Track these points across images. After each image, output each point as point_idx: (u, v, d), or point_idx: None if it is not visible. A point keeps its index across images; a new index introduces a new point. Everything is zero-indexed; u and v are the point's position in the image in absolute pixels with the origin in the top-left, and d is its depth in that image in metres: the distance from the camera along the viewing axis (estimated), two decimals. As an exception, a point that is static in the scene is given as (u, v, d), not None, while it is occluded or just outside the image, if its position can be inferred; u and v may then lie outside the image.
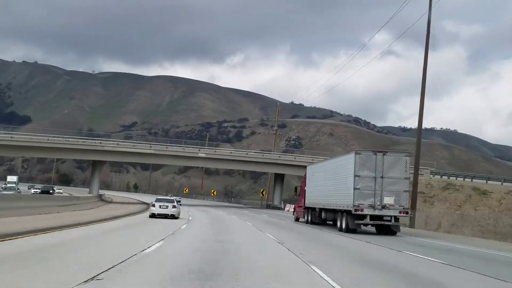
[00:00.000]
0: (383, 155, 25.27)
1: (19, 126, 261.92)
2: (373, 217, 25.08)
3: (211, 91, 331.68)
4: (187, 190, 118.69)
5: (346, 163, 26.19)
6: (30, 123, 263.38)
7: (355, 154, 25.09)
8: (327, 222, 31.87)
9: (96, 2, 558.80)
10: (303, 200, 36.40)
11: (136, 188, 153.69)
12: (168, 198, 36.46)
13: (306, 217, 35.38)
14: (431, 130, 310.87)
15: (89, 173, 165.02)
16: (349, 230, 25.57)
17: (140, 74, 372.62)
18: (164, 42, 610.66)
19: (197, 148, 75.69)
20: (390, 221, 25.31)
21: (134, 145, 73.57)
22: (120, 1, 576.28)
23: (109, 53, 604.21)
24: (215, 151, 74.87)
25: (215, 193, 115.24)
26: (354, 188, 24.74)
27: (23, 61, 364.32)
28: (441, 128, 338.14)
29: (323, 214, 31.30)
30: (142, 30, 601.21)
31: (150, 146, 73.88)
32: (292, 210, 46.37)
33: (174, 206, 31.44)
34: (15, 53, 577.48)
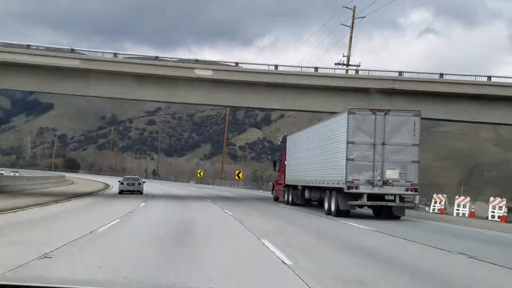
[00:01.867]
0: (385, 114, 19.96)
1: (41, 114, 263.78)
2: (371, 197, 19.90)
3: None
4: (201, 173, 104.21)
5: (337, 126, 20.96)
6: (53, 110, 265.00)
7: (348, 113, 19.79)
8: (312, 202, 27.44)
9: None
10: (282, 176, 31.43)
11: (154, 175, 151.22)
12: (134, 176, 43.03)
13: (286, 197, 30.42)
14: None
15: (99, 159, 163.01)
16: (339, 212, 20.50)
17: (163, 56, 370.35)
18: (192, 26, 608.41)
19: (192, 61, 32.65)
20: (394, 201, 20.07)
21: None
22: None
23: (136, 39, 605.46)
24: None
25: (240, 175, 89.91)
26: (347, 159, 19.56)
27: (46, 47, 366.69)
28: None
29: (306, 193, 26.49)
30: (168, 14, 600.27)
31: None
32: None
33: (139, 184, 37.18)
34: (40, 39, 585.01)
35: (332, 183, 21.27)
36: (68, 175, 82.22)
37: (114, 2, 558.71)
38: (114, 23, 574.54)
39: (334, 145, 21.03)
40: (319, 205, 27.25)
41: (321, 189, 24.37)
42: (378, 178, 19.67)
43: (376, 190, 19.72)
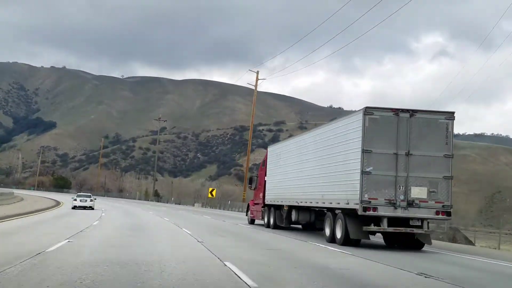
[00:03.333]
0: (410, 116, 16.05)
1: (44, 133, 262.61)
2: (393, 221, 15.87)
3: (244, 94, 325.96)
4: (214, 192, 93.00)
5: (346, 130, 16.94)
6: (55, 128, 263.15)
7: (364, 114, 15.78)
8: (299, 225, 24.24)
9: (130, 3, 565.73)
10: (261, 195, 27.17)
11: (158, 196, 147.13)
12: (86, 194, 48.12)
13: (266, 219, 26.11)
14: (481, 136, 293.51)
15: (89, 176, 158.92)
16: (348, 241, 16.50)
17: (170, 78, 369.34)
18: (201, 46, 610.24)
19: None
20: (421, 227, 16.05)
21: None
22: (157, 4, 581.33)
23: (144, 59, 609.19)
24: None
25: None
26: (363, 172, 15.57)
27: (51, 67, 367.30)
28: (492, 134, 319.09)
29: (293, 215, 22.57)
30: (177, 34, 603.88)
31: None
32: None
33: (91, 200, 42.44)
34: (47, 58, 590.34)
35: (338, 203, 17.21)
36: (23, 192, 77.93)
37: (123, 17, 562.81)
38: (122, 42, 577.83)
39: (342, 155, 16.99)
40: (308, 229, 24.19)
41: (313, 211, 21.20)
42: (402, 197, 15.67)
43: (399, 213, 15.68)
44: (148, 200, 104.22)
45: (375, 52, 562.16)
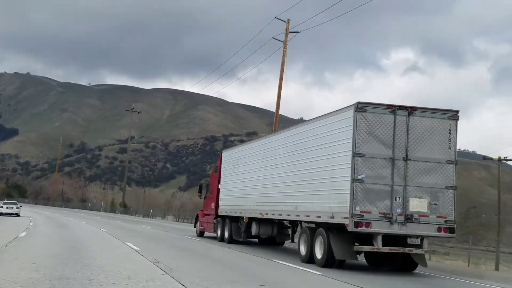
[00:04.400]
0: (409, 114, 13.71)
1: (4, 140, 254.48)
2: (388, 239, 13.44)
3: (215, 104, 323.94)
4: None
5: (333, 129, 14.40)
6: (17, 135, 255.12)
7: (356, 110, 13.38)
8: (255, 239, 22.01)
9: (102, 11, 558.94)
10: (212, 204, 24.61)
11: (124, 207, 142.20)
12: (12, 201, 50.47)
13: (220, 232, 23.36)
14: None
15: (46, 185, 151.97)
16: (331, 263, 14.03)
17: (138, 86, 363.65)
18: (173, 56, 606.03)
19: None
20: (420, 246, 13.68)
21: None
22: (130, 13, 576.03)
23: (114, 68, 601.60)
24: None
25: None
26: (354, 180, 13.12)
27: (15, 72, 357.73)
28: (459, 149, 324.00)
29: (254, 228, 20.23)
30: (150, 44, 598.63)
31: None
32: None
33: (17, 207, 44.74)
34: (11, 64, 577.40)
35: (318, 216, 14.67)
36: None
37: (96, 25, 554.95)
38: (92, 48, 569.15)
39: (326, 159, 14.46)
40: (265, 243, 22.17)
41: (276, 223, 19.74)
42: (399, 210, 13.27)
43: (395, 230, 13.25)
44: (116, 212, 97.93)
45: (346, 67, 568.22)
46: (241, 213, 21.00)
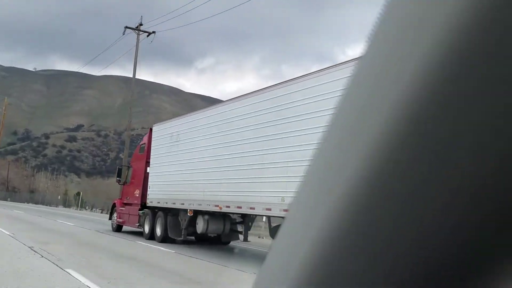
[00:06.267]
0: None
1: None
2: None
3: (170, 94, 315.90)
4: None
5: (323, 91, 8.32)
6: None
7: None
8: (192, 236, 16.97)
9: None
10: (137, 192, 19.67)
11: (79, 196, 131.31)
12: None
13: (148, 227, 18.22)
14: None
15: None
16: None
17: (87, 73, 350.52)
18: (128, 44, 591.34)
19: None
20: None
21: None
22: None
23: (65, 53, 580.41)
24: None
25: None
26: None
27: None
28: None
29: (201, 224, 15.46)
30: (105, 30, 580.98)
31: None
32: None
33: None
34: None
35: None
36: None
37: (46, 10, 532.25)
38: (41, 34, 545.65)
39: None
40: (208, 241, 17.04)
41: (229, 218, 15.30)
42: None
43: None
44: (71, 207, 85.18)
45: (304, 61, 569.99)
46: (182, 204, 16.02)
